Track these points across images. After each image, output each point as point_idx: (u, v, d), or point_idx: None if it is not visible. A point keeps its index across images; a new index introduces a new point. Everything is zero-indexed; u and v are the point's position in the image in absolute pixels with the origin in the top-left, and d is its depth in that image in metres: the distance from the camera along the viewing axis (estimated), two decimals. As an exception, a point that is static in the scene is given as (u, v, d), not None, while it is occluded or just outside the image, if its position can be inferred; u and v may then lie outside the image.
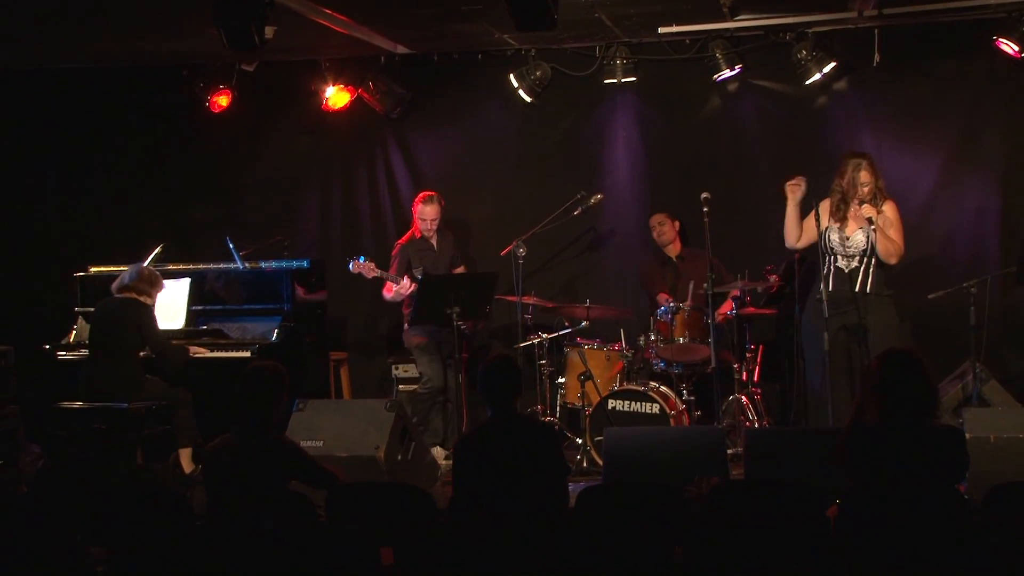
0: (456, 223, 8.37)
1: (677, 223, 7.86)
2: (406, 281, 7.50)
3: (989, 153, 7.79)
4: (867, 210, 6.56)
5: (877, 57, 7.72)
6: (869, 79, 7.90)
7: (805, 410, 7.31)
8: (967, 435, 5.40)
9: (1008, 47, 7.39)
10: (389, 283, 7.56)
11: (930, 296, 7.07)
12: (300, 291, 7.83)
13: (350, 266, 7.41)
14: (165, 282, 7.59)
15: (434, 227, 7.76)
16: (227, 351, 7.47)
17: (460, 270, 7.94)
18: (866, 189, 6.63)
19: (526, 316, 7.57)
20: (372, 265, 7.43)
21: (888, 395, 4.18)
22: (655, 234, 7.86)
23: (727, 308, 7.40)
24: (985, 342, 6.96)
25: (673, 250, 7.87)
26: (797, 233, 6.81)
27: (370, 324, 8.75)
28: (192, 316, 7.68)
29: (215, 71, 8.49)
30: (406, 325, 7.66)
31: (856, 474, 4.24)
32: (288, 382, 4.92)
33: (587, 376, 7.22)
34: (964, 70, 7.82)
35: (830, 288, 6.61)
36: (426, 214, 7.71)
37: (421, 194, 7.83)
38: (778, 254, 7.53)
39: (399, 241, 7.87)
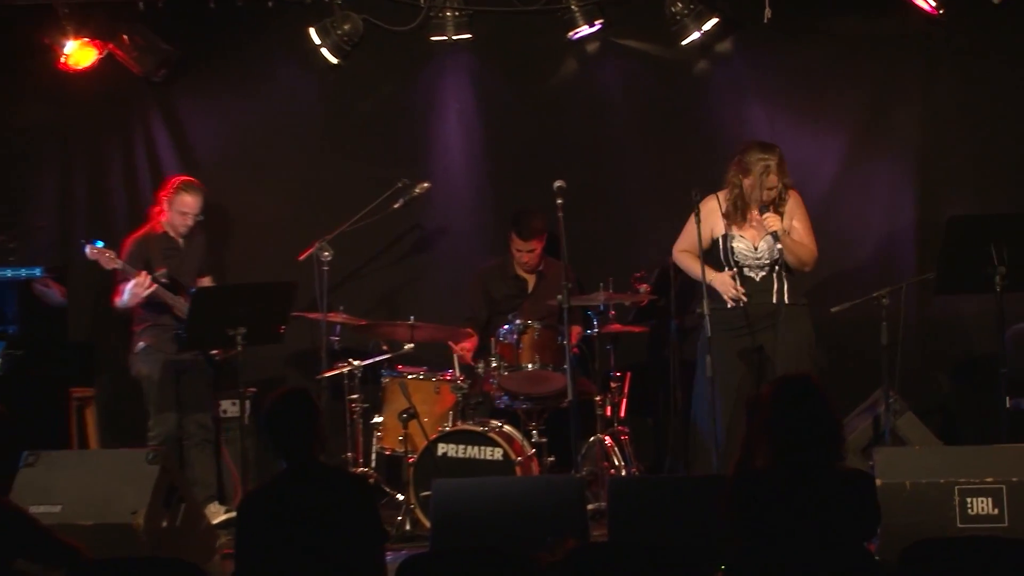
0: (238, 218, 8.27)
1: (545, 235, 7.77)
2: (143, 277, 7.37)
3: (902, 130, 8.10)
4: (771, 221, 6.73)
5: (768, 13, 7.84)
6: (759, 40, 8.13)
7: (685, 454, 7.43)
8: (878, 481, 5.54)
9: (924, 3, 7.68)
10: (120, 283, 7.44)
11: (833, 310, 7.18)
12: (32, 309, 7.62)
13: (86, 250, 7.35)
14: None
15: (193, 223, 7.71)
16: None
17: (206, 281, 7.88)
18: (773, 193, 6.81)
19: (332, 338, 7.56)
20: (112, 254, 7.37)
21: (781, 432, 4.26)
22: (518, 258, 7.83)
23: (576, 337, 7.45)
24: (900, 365, 7.13)
25: (534, 270, 7.90)
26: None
27: (125, 352, 8.53)
28: None
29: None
30: (135, 348, 7.65)
31: (744, 531, 4.33)
32: (12, 428, 4.76)
33: (411, 414, 7.21)
34: (872, 30, 8.10)
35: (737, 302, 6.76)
36: (189, 206, 7.66)
37: (179, 179, 7.78)
38: (650, 258, 7.68)
39: (132, 236, 7.78)
